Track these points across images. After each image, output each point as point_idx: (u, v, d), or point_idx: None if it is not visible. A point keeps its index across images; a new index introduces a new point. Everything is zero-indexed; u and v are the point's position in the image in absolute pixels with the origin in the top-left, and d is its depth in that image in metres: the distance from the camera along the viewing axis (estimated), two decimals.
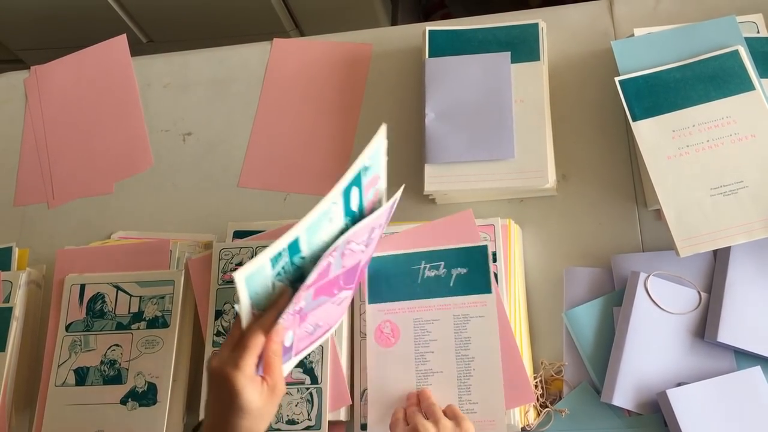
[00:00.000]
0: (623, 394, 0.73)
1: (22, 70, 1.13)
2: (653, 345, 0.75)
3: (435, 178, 0.86)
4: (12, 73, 1.13)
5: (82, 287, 0.86)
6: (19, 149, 1.07)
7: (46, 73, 1.10)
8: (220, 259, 0.85)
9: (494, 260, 0.79)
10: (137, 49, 1.11)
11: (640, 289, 0.76)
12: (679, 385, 0.73)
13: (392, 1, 1.60)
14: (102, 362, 0.83)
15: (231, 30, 1.48)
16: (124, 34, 1.09)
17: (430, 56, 0.92)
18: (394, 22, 1.59)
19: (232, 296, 0.83)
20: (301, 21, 1.49)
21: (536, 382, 0.77)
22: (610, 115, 0.89)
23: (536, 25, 0.91)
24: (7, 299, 0.88)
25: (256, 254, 0.84)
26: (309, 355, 0.78)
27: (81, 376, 0.82)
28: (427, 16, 1.78)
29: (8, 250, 0.94)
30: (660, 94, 0.82)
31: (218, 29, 1.50)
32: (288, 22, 1.47)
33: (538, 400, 0.76)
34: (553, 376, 0.78)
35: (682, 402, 0.71)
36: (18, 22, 1.52)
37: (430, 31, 0.94)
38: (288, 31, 1.48)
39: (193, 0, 1.42)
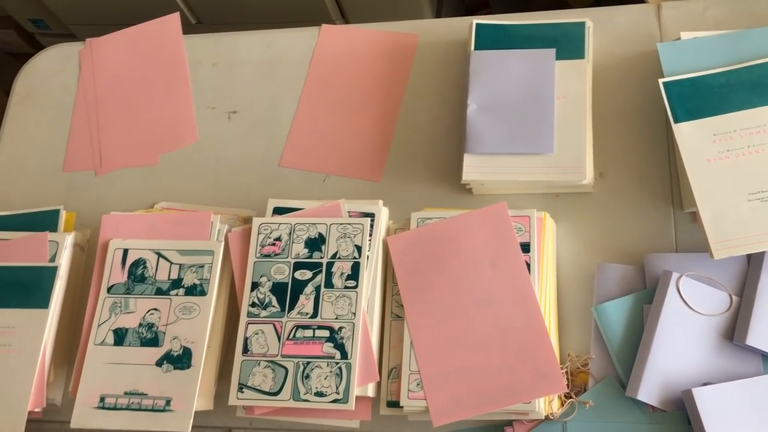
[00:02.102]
0: (648, 390, 0.74)
1: (77, 42, 1.16)
2: (681, 344, 0.75)
3: (473, 168, 0.87)
4: (67, 44, 1.17)
5: (125, 252, 0.89)
6: (70, 118, 1.10)
7: (100, 46, 1.13)
8: (259, 234, 0.87)
9: (527, 251, 0.81)
10: (186, 29, 1.14)
11: (671, 288, 0.77)
12: (704, 385, 0.73)
13: None
14: (140, 324, 0.85)
15: (278, 17, 1.51)
16: (177, 12, 1.12)
17: (475, 49, 0.93)
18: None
19: (268, 269, 0.85)
20: (348, 11, 1.51)
21: (562, 373, 0.78)
22: (650, 116, 0.90)
23: (583, 23, 0.92)
24: (52, 259, 0.91)
25: (294, 231, 0.86)
26: (340, 330, 0.80)
27: (119, 337, 0.85)
28: (469, 15, 1.79)
29: (56, 213, 0.97)
30: (703, 97, 0.82)
31: (265, 15, 1.53)
32: (335, 12, 1.50)
33: None
34: (579, 368, 0.79)
35: (707, 401, 0.71)
36: None
37: (477, 24, 0.95)
38: (334, 20, 1.51)
39: None
